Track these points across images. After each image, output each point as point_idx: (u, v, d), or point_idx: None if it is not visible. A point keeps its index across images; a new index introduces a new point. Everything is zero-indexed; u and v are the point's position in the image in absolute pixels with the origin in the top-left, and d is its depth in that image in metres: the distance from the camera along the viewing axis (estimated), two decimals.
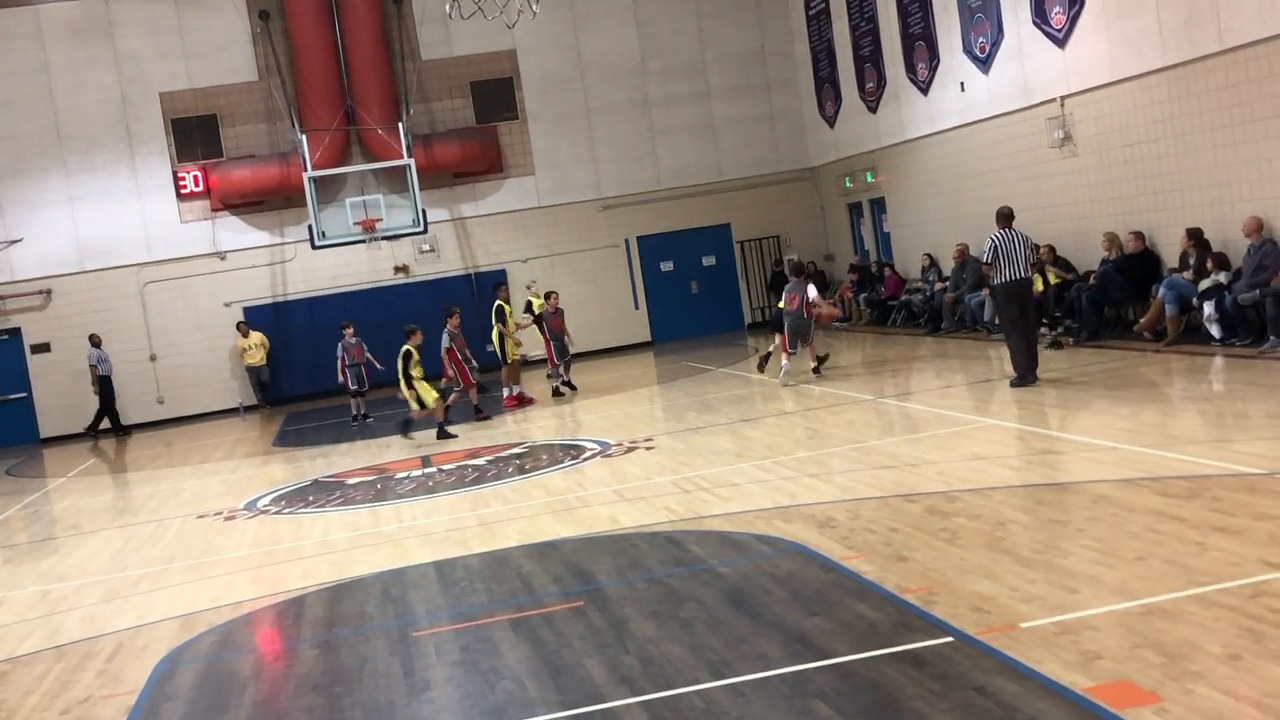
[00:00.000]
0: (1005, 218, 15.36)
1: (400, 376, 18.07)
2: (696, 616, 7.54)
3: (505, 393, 21.03)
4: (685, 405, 18.20)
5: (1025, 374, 15.07)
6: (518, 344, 21.30)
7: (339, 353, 21.96)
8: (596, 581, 8.80)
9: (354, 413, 21.91)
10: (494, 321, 21.07)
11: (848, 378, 18.65)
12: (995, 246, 15.08)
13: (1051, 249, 19.32)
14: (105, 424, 26.71)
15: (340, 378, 22.03)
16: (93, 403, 26.72)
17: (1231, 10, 15.60)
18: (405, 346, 18.14)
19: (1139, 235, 17.73)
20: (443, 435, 17.96)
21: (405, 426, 18.37)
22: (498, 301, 21.27)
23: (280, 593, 9.95)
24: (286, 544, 12.08)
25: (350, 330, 22.03)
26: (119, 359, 27.29)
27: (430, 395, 18.08)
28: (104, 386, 26.48)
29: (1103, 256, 18.34)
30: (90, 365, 26.49)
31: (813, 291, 18.57)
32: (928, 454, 11.73)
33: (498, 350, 21.10)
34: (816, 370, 18.78)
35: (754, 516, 10.11)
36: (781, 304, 18.93)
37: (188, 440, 23.89)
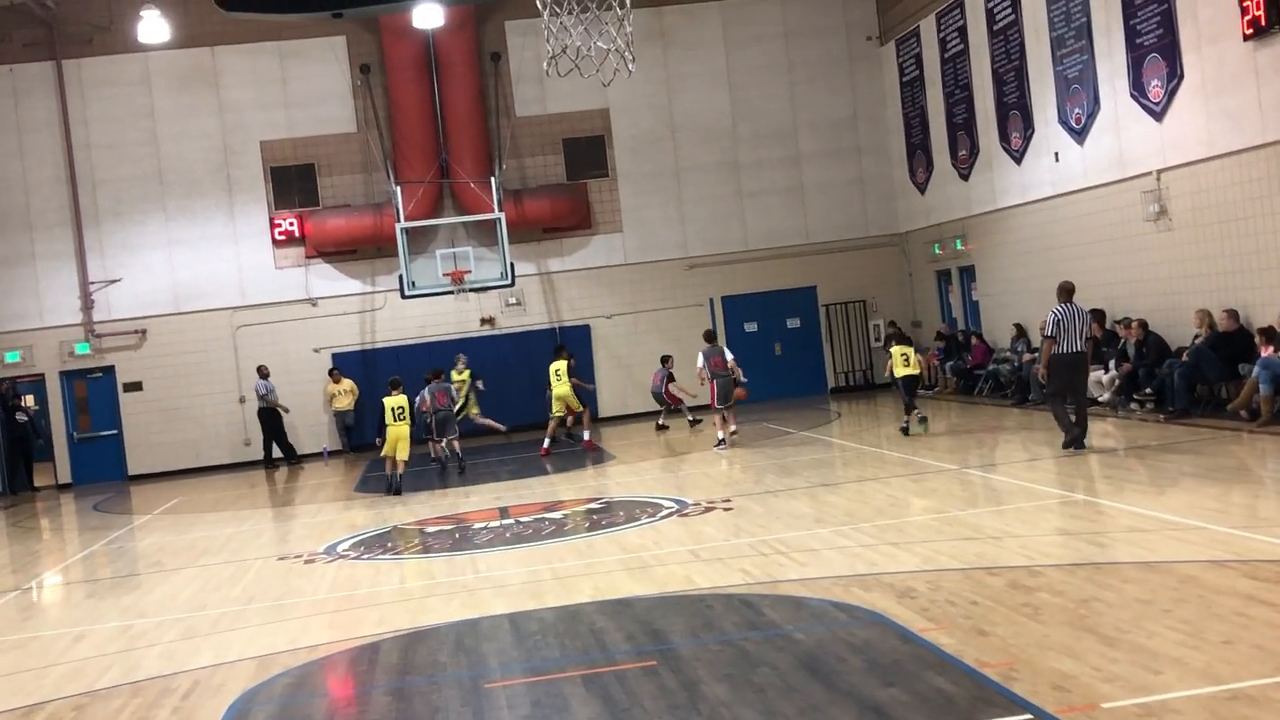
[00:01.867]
0: (1067, 292, 16.09)
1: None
2: (770, 682, 7.46)
3: (585, 435, 23.48)
4: (764, 467, 18.10)
5: (1077, 437, 15.84)
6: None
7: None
8: (670, 641, 8.75)
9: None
10: (567, 377, 23.20)
11: (931, 447, 18.46)
12: (1058, 320, 15.83)
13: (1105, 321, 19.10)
14: (277, 452, 27.24)
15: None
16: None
17: None
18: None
19: (1233, 314, 17.42)
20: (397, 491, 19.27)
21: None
22: (569, 361, 23.62)
23: (355, 638, 9.99)
24: (364, 589, 12.15)
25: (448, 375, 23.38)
26: (208, 401, 27.81)
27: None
28: (268, 417, 26.92)
29: (1195, 333, 18.04)
30: (259, 395, 27.01)
31: (729, 355, 21.24)
32: (1011, 527, 11.55)
33: (572, 401, 23.29)
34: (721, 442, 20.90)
35: (831, 583, 10.01)
36: (699, 365, 21.24)
37: (272, 482, 24.16)
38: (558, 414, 23.37)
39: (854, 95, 29.78)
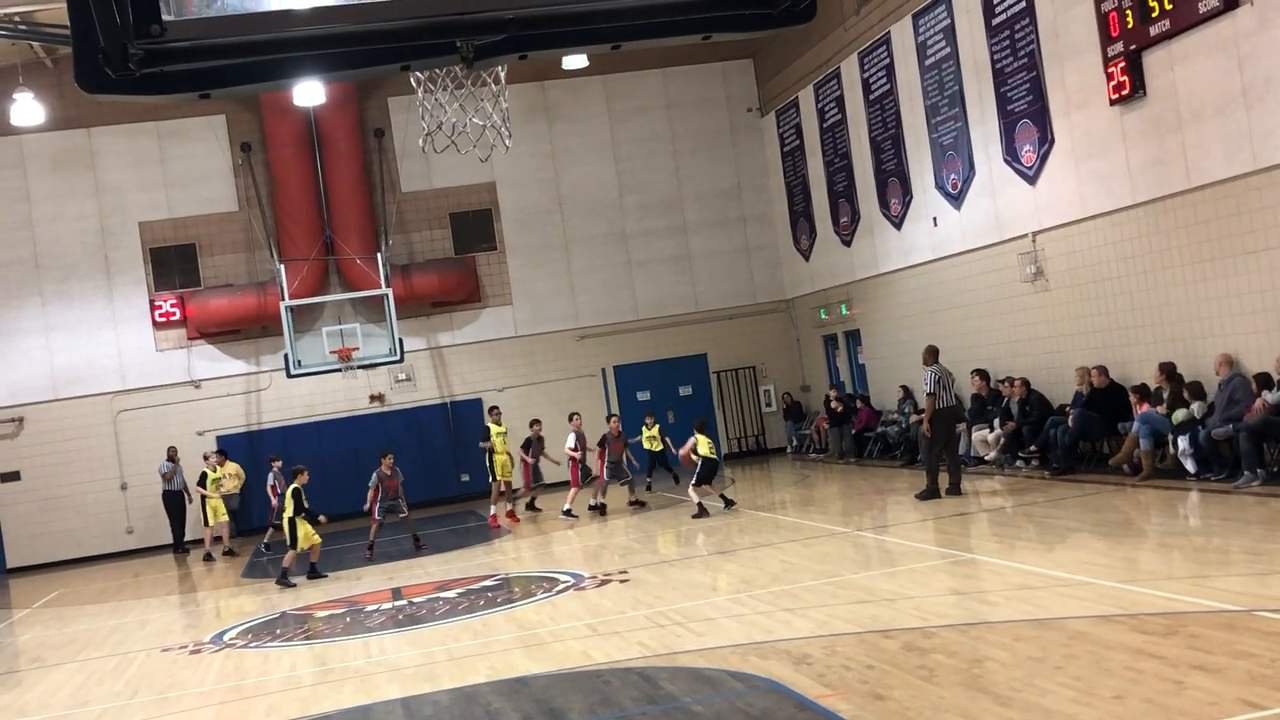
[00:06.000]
0: (934, 354, 18.00)
1: (293, 514, 18.05)
2: None
3: (491, 511, 22.47)
4: (660, 536, 18.05)
5: (934, 490, 17.37)
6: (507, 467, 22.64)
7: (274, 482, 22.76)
8: None
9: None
10: (483, 442, 22.72)
11: (824, 510, 18.56)
12: (939, 378, 17.54)
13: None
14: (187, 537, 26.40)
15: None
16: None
17: (1198, 151, 15.91)
18: (295, 485, 18.21)
19: (1102, 370, 17.90)
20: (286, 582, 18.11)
21: (286, 574, 18.31)
22: (487, 423, 22.95)
23: None
24: (252, 679, 11.83)
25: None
26: (89, 488, 27.08)
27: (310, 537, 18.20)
28: (172, 500, 26.15)
29: (1077, 390, 18.42)
30: (163, 476, 26.23)
31: (570, 440, 21.95)
32: (905, 588, 11.62)
33: (490, 471, 22.54)
34: (592, 508, 21.64)
35: (728, 652, 9.96)
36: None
37: (156, 571, 23.54)
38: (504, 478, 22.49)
39: (737, 165, 30.19)
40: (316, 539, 18.26)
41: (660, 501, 22.39)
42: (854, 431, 25.49)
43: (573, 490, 22.00)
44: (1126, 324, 17.87)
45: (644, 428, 23.07)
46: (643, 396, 29.39)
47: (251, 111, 28.02)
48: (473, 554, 19.21)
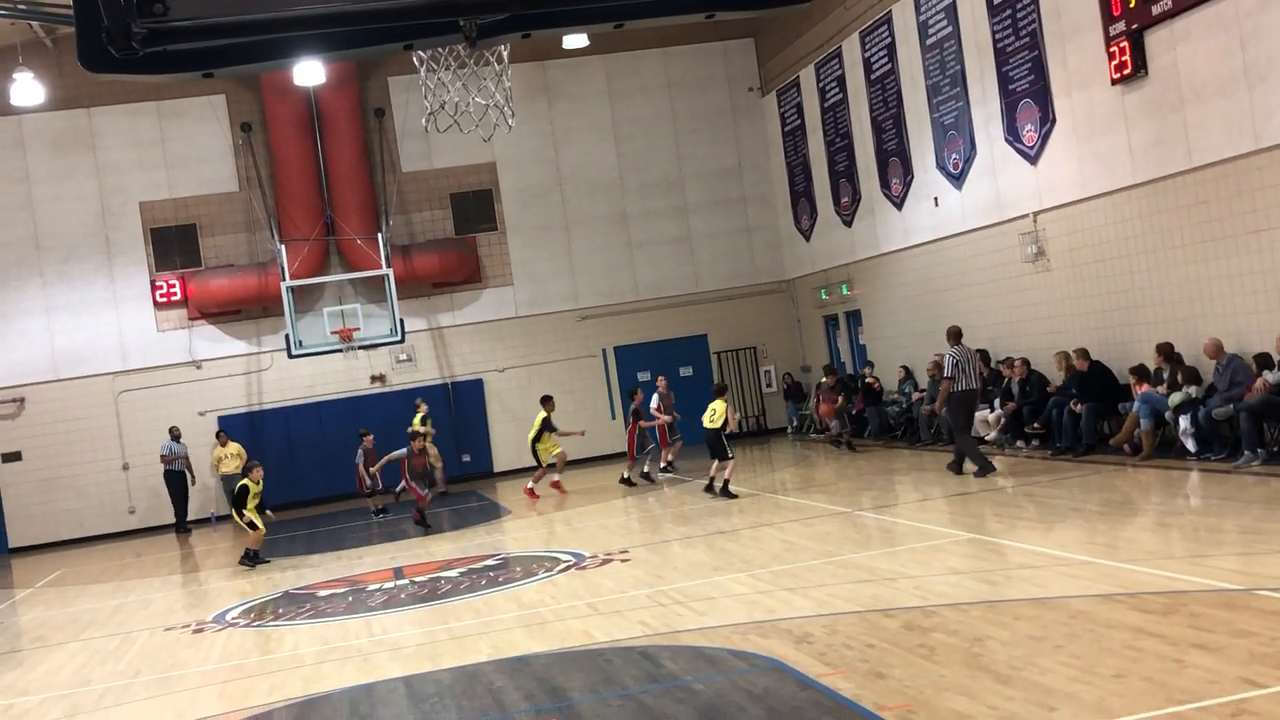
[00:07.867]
0: (956, 335, 17.78)
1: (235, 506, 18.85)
2: None
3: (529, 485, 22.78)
4: (661, 516, 18.08)
5: (987, 466, 17.01)
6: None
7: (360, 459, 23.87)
8: (569, 698, 8.66)
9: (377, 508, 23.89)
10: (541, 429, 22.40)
11: (824, 490, 18.60)
12: (956, 361, 17.35)
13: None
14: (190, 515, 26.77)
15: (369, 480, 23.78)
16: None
17: (1200, 130, 15.88)
18: (244, 481, 18.90)
19: (1083, 354, 17.94)
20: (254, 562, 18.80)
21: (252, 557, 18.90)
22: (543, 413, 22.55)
23: (247, 709, 9.75)
24: (254, 658, 11.88)
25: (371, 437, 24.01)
26: (90, 469, 27.12)
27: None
28: (173, 480, 26.33)
29: (1075, 372, 18.42)
30: (163, 458, 26.45)
31: (654, 400, 22.75)
32: (905, 568, 11.64)
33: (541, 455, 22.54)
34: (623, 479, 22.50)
35: (730, 631, 9.99)
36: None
37: (158, 551, 23.60)
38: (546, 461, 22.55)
39: (738, 145, 30.13)
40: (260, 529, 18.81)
41: (664, 482, 22.42)
42: (854, 412, 25.42)
43: (663, 450, 23.20)
44: (1127, 304, 17.87)
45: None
46: (643, 377, 29.31)
47: (252, 91, 27.96)
48: (474, 534, 19.25)
